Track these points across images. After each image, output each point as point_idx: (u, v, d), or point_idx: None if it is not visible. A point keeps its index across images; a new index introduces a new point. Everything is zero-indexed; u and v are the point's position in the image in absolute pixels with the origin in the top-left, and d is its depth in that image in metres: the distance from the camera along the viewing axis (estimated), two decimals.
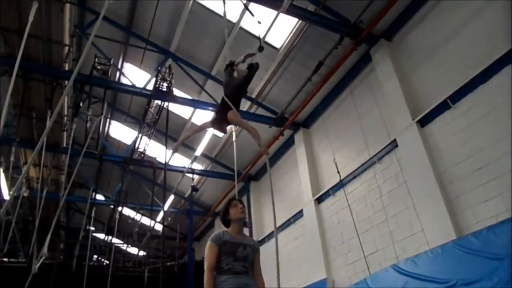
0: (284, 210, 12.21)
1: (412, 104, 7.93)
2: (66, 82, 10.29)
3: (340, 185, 9.44)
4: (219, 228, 3.76)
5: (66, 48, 10.13)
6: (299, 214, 11.36)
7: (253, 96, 11.76)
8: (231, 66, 5.23)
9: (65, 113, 11.94)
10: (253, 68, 4.75)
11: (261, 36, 9.99)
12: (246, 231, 13.70)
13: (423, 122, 7.56)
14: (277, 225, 12.09)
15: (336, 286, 9.11)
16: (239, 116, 4.54)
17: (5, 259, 13.80)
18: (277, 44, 10.68)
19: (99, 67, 10.93)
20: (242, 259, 3.24)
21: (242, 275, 3.19)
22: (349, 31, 8.73)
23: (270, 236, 12.72)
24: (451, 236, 6.31)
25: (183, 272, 15.49)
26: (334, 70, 9.74)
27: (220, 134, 13.90)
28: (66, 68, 10.54)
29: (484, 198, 6.13)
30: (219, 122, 4.63)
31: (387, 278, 7.06)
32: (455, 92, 6.92)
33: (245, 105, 12.02)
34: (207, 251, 3.25)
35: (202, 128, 5.16)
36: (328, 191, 10.13)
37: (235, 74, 5.16)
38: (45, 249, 4.67)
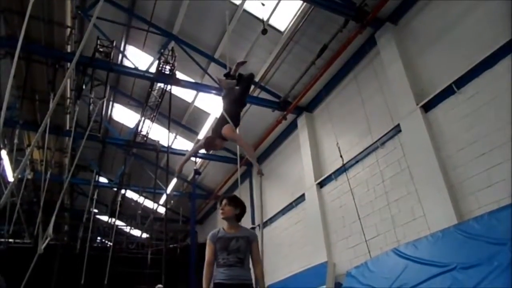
0: (286, 194, 12.29)
1: (417, 89, 7.87)
2: (69, 64, 10.25)
3: (343, 169, 9.45)
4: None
5: (68, 30, 10.05)
6: (301, 198, 11.42)
7: (257, 79, 11.68)
8: (228, 76, 5.09)
9: (68, 95, 11.93)
10: (243, 80, 4.58)
11: (265, 19, 9.89)
12: (246, 219, 13.73)
13: (427, 107, 7.50)
14: (279, 209, 12.26)
15: (337, 269, 9.22)
16: (235, 131, 4.43)
17: (10, 240, 14.01)
18: (281, 27, 10.55)
19: (101, 50, 10.85)
20: (235, 251, 3.52)
21: (236, 267, 3.48)
22: (354, 14, 8.60)
23: (271, 219, 12.83)
24: (453, 221, 6.34)
25: (185, 254, 15.72)
26: (338, 54, 9.64)
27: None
28: (68, 50, 10.48)
29: (487, 183, 6.13)
30: (213, 139, 4.48)
31: (387, 261, 7.13)
32: (460, 77, 6.84)
33: None
34: (206, 248, 3.66)
35: (199, 148, 4.89)
36: (330, 175, 10.15)
37: (228, 84, 4.98)
38: (50, 230, 4.73)
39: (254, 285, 3.66)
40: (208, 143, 4.50)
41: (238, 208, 3.76)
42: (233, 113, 4.54)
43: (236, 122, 4.50)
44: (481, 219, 5.71)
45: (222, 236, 3.60)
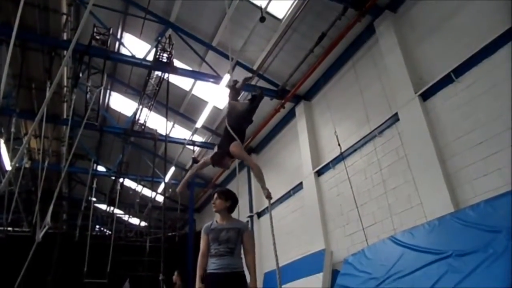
0: (284, 182, 12.32)
1: (415, 77, 7.85)
2: (65, 52, 10.15)
3: (340, 158, 9.48)
4: None
5: (64, 17, 9.93)
6: (299, 186, 11.47)
7: (254, 68, 11.62)
8: (233, 89, 4.93)
9: (65, 84, 11.84)
10: (256, 99, 4.45)
11: (263, 7, 9.80)
12: (246, 206, 13.67)
13: (425, 95, 7.50)
14: (277, 198, 12.27)
15: (334, 257, 9.31)
16: (243, 149, 4.34)
17: (9, 229, 14.06)
18: (279, 15, 10.45)
19: (98, 37, 10.71)
20: (225, 242, 3.67)
21: (226, 256, 3.63)
22: (353, 1, 8.55)
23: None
24: (449, 210, 6.39)
25: (184, 242, 15.83)
26: (337, 42, 9.58)
27: (221, 106, 13.84)
28: (65, 38, 10.37)
29: (484, 172, 6.17)
30: (221, 155, 4.35)
31: (384, 249, 7.19)
32: (458, 65, 6.82)
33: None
34: (201, 240, 3.82)
35: (204, 165, 4.76)
36: (328, 164, 10.18)
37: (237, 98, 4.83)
38: (48, 218, 4.74)
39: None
40: (216, 161, 4.40)
41: (229, 200, 3.89)
42: (240, 129, 4.44)
43: (242, 138, 4.41)
44: (477, 207, 5.76)
45: (214, 227, 3.77)
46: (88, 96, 12.36)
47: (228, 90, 5.06)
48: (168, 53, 11.19)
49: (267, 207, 13.01)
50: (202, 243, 3.79)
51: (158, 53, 11.16)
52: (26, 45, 10.14)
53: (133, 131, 14.56)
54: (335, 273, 8.76)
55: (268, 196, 4.27)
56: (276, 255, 4.06)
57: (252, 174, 14.48)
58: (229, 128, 4.37)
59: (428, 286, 5.57)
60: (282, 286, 10.19)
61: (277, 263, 4.10)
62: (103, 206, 20.69)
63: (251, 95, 4.49)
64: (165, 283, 9.28)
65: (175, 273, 8.62)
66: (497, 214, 5.32)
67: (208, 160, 4.47)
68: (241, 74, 11.68)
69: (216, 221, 3.86)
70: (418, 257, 6.19)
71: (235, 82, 5.09)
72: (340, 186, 9.66)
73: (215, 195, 3.93)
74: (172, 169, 16.95)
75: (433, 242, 6.14)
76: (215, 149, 4.45)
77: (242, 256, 3.78)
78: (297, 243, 11.05)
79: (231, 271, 3.57)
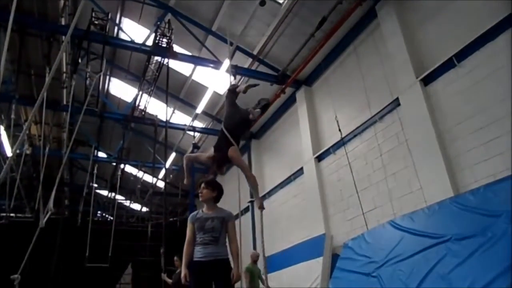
0: (285, 168, 12.36)
1: (417, 62, 7.79)
2: (63, 37, 10.06)
3: (341, 143, 9.48)
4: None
5: (62, 1, 9.81)
6: (300, 172, 11.50)
7: (255, 53, 11.53)
8: (232, 92, 4.79)
9: (64, 69, 11.77)
10: (265, 108, 4.51)
11: None
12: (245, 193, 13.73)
13: (427, 80, 7.46)
14: (278, 183, 12.36)
15: (334, 241, 9.40)
16: (240, 155, 4.35)
17: (12, 215, 14.15)
18: None
19: (96, 22, 10.60)
20: (209, 230, 3.77)
21: (210, 245, 3.73)
22: None
23: (270, 193, 12.96)
24: (449, 194, 6.42)
25: (185, 227, 15.92)
26: (338, 26, 9.47)
27: (221, 92, 13.78)
28: (63, 23, 10.26)
29: (484, 157, 6.17)
30: (221, 160, 4.23)
31: (383, 233, 7.26)
32: (460, 50, 6.77)
33: (246, 62, 11.82)
34: (187, 228, 3.94)
35: (199, 160, 4.68)
36: (328, 149, 10.19)
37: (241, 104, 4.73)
38: (50, 204, 4.77)
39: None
40: (218, 165, 4.29)
41: (215, 191, 3.96)
42: (238, 134, 4.41)
43: (238, 142, 4.37)
44: (477, 192, 5.79)
45: (200, 217, 3.87)
46: (87, 82, 12.30)
47: (227, 91, 4.97)
48: (168, 38, 11.09)
49: (268, 192, 13.10)
50: (188, 231, 3.89)
51: (157, 38, 11.06)
52: (25, 30, 10.03)
53: (133, 117, 14.54)
54: (335, 257, 8.86)
55: (261, 207, 4.37)
56: (263, 249, 4.15)
57: (252, 159, 14.50)
58: (226, 132, 4.27)
59: (427, 270, 5.64)
60: (282, 270, 10.32)
61: (264, 255, 4.21)
62: (104, 192, 20.80)
63: (259, 103, 4.52)
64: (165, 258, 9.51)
65: (175, 258, 8.71)
66: (497, 198, 5.35)
67: (206, 159, 4.35)
68: (241, 59, 11.61)
69: (202, 211, 3.96)
70: (418, 241, 6.25)
71: (235, 85, 5.09)
72: (340, 171, 9.69)
73: (202, 185, 3.99)
74: (172, 155, 16.98)
75: (433, 226, 6.19)
76: (212, 151, 4.30)
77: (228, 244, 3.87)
78: (297, 227, 11.14)
79: (215, 259, 3.67)
